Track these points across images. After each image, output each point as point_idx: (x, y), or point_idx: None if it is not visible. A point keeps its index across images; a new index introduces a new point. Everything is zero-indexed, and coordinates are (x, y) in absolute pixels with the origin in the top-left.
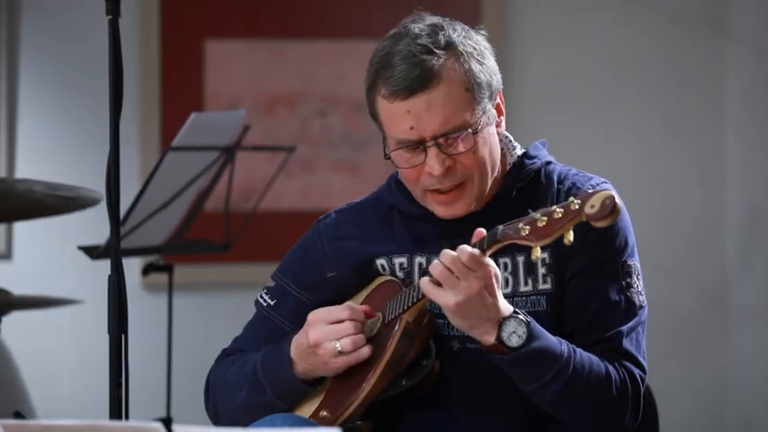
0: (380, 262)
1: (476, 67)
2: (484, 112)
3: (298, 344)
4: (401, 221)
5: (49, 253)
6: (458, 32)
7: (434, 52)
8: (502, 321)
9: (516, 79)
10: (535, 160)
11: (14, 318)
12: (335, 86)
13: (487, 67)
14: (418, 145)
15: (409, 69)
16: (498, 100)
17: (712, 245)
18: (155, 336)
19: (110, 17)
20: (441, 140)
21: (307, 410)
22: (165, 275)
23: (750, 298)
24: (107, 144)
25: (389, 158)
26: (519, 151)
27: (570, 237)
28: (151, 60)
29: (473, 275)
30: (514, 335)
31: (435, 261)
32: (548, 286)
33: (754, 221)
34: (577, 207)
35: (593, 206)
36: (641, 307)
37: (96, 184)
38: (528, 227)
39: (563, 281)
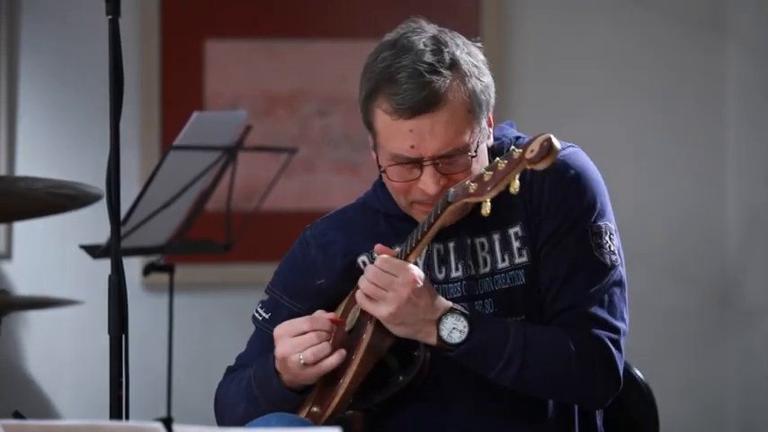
0: (362, 258)
1: (478, 86)
2: (480, 131)
3: (276, 357)
4: (386, 224)
5: (49, 253)
6: (460, 48)
7: (441, 72)
8: (439, 319)
9: (516, 80)
10: (502, 139)
11: (14, 318)
12: (335, 86)
13: (485, 85)
14: (415, 162)
15: (416, 90)
16: (489, 114)
17: (712, 245)
18: (155, 336)
19: (110, 17)
20: (438, 161)
21: (302, 410)
22: (166, 275)
23: (750, 298)
24: (107, 144)
25: (384, 172)
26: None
27: (516, 185)
28: (151, 60)
29: (397, 283)
30: (455, 331)
31: (363, 278)
32: (524, 259)
33: (754, 221)
34: (518, 154)
35: (532, 150)
36: (613, 266)
37: (96, 184)
38: (474, 183)
39: (536, 251)
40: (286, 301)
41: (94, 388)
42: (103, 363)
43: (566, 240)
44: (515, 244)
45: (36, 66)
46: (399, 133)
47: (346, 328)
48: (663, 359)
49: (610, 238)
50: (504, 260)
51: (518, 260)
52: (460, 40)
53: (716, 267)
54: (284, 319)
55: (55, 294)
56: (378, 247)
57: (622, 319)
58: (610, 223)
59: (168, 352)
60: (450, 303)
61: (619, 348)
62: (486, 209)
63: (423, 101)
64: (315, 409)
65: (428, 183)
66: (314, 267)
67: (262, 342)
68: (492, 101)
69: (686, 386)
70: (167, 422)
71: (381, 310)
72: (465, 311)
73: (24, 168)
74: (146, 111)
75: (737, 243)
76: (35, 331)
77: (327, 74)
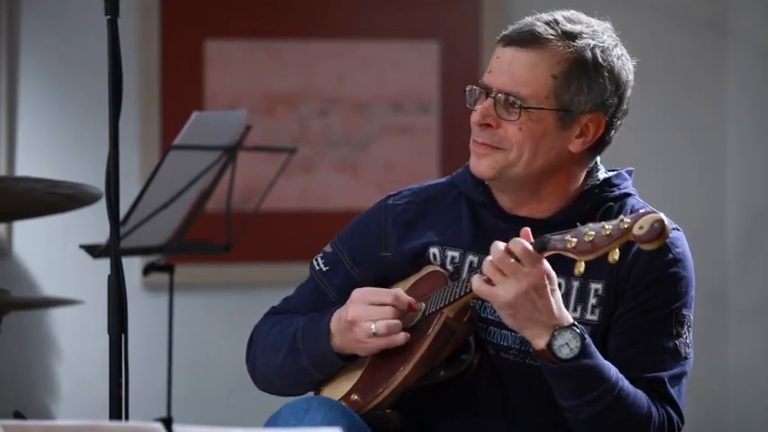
0: (433, 251)
1: (576, 71)
2: (556, 111)
3: (338, 317)
4: (468, 210)
5: (49, 252)
6: (596, 40)
7: (553, 28)
8: (557, 329)
9: None
10: (614, 189)
11: (14, 318)
12: (335, 86)
13: (594, 81)
14: (484, 90)
15: (522, 26)
16: (587, 122)
17: (712, 245)
18: (155, 336)
19: (108, 17)
20: (500, 97)
21: (339, 391)
22: (166, 275)
23: (750, 298)
24: (107, 144)
25: (465, 92)
26: (601, 175)
27: (616, 255)
28: (151, 60)
29: (521, 272)
30: (566, 346)
31: (487, 258)
32: (594, 318)
33: (754, 221)
34: (626, 226)
35: (641, 227)
36: (686, 358)
37: (96, 183)
38: (575, 239)
39: (611, 316)
40: (346, 262)
41: (94, 388)
42: (103, 363)
43: (648, 316)
44: (592, 300)
45: (36, 66)
46: (493, 58)
47: (404, 324)
48: None
49: (688, 329)
50: (575, 310)
51: (589, 317)
52: (610, 40)
53: (716, 267)
54: (339, 279)
55: (55, 294)
56: (524, 231)
57: (682, 410)
58: (692, 316)
59: (168, 352)
60: (571, 318)
61: None
62: (581, 268)
63: (518, 34)
64: (355, 397)
65: (479, 109)
66: (384, 240)
67: (311, 292)
68: (592, 106)
69: (686, 386)
70: (167, 422)
71: (498, 296)
72: (582, 334)
73: (24, 168)
74: (146, 110)
75: (737, 243)
76: (35, 331)
77: (327, 74)
